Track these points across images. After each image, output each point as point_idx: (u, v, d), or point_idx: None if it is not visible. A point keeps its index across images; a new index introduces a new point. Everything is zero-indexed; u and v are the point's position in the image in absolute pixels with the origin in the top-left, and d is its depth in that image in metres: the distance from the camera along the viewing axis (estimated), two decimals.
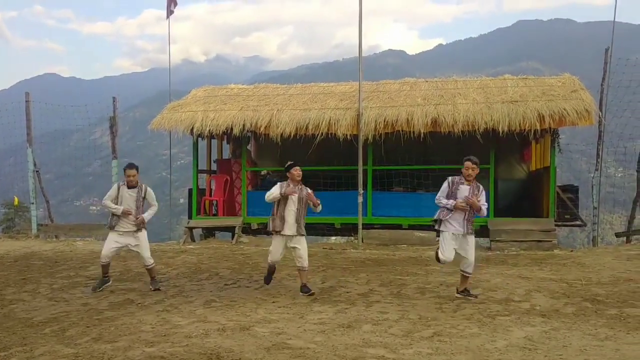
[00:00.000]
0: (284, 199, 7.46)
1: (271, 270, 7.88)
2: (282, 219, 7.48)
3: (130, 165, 7.98)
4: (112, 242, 7.89)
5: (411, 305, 6.82)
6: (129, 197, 7.88)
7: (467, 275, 7.24)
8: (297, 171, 7.52)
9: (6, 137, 15.58)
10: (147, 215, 7.97)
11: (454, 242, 7.13)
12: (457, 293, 7.29)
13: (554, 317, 6.17)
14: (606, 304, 6.75)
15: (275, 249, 7.65)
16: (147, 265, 8.02)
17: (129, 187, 7.91)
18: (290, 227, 7.49)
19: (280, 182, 7.66)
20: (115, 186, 8.08)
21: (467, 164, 7.11)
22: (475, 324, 5.95)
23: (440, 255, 7.23)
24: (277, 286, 7.91)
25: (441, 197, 7.21)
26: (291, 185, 7.50)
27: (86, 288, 8.16)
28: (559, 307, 6.60)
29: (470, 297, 7.17)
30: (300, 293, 7.47)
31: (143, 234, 7.96)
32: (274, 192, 7.48)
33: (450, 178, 7.26)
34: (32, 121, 14.62)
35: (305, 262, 7.58)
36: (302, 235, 7.60)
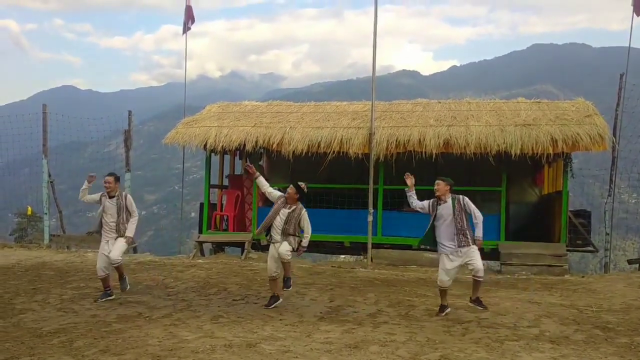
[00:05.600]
0: (274, 211, 7.72)
1: (273, 290, 7.87)
2: (270, 229, 7.73)
3: (109, 174, 8.21)
4: (102, 254, 8.05)
5: (419, 327, 6.79)
6: (110, 207, 8.09)
7: (479, 279, 7.29)
8: (292, 189, 7.73)
9: (22, 148, 15.78)
10: (129, 232, 8.10)
11: (451, 262, 7.20)
12: (470, 302, 7.42)
13: (564, 344, 6.10)
14: (617, 331, 6.68)
15: (269, 257, 7.83)
16: (114, 264, 8.08)
17: (109, 197, 8.10)
18: (276, 236, 7.69)
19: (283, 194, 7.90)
20: (98, 195, 8.23)
21: (435, 181, 7.33)
22: (484, 348, 5.91)
23: (437, 281, 7.44)
24: (285, 304, 7.89)
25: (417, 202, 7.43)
26: (286, 201, 7.72)
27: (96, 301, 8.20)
28: (568, 334, 6.54)
29: (480, 308, 7.23)
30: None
31: (120, 239, 8.08)
32: (273, 192, 7.90)
33: (432, 199, 7.40)
34: (48, 132, 14.81)
35: (285, 256, 7.60)
36: (284, 241, 7.66)
